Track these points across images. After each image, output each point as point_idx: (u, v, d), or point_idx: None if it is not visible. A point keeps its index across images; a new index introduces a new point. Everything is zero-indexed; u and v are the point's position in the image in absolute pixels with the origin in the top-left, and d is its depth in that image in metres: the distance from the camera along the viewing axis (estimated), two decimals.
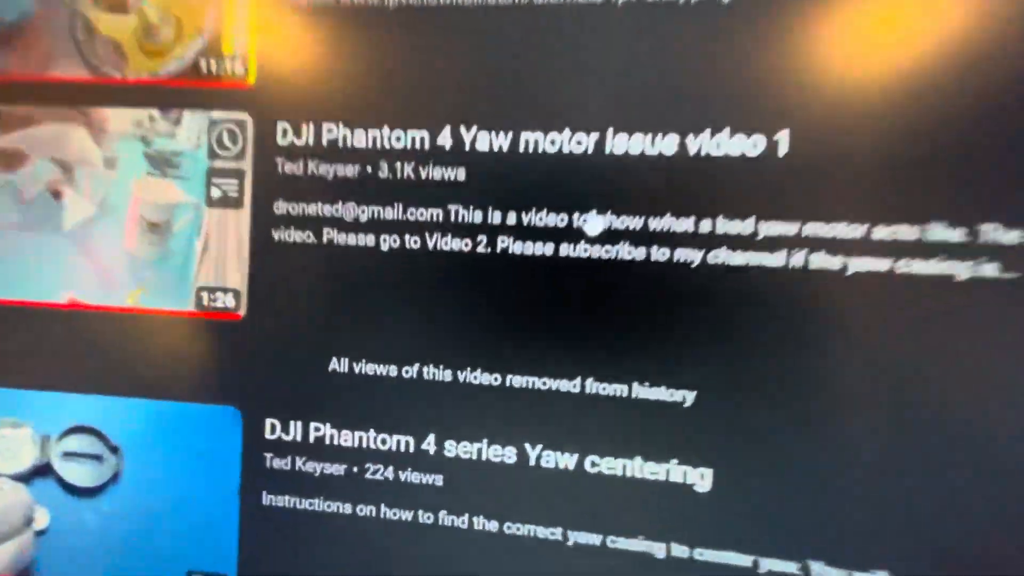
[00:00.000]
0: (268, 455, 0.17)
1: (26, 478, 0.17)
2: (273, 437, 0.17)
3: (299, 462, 0.16)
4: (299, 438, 0.16)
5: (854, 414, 0.14)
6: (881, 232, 0.13)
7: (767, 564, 0.14)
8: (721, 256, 0.14)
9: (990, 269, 0.13)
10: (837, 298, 0.14)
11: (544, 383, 0.15)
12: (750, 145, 0.14)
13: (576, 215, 0.15)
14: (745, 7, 0.14)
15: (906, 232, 0.13)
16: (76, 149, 0.17)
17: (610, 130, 0.15)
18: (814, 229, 0.14)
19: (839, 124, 0.14)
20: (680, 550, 0.15)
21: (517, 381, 0.15)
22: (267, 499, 0.17)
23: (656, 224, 0.14)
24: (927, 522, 0.14)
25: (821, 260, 0.14)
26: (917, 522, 0.14)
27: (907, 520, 0.14)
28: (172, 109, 0.16)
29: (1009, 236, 0.13)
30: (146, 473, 0.17)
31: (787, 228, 0.14)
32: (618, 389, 0.15)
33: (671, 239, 0.14)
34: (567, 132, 0.15)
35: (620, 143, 0.15)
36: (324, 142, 0.16)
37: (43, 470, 0.17)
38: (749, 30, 0.14)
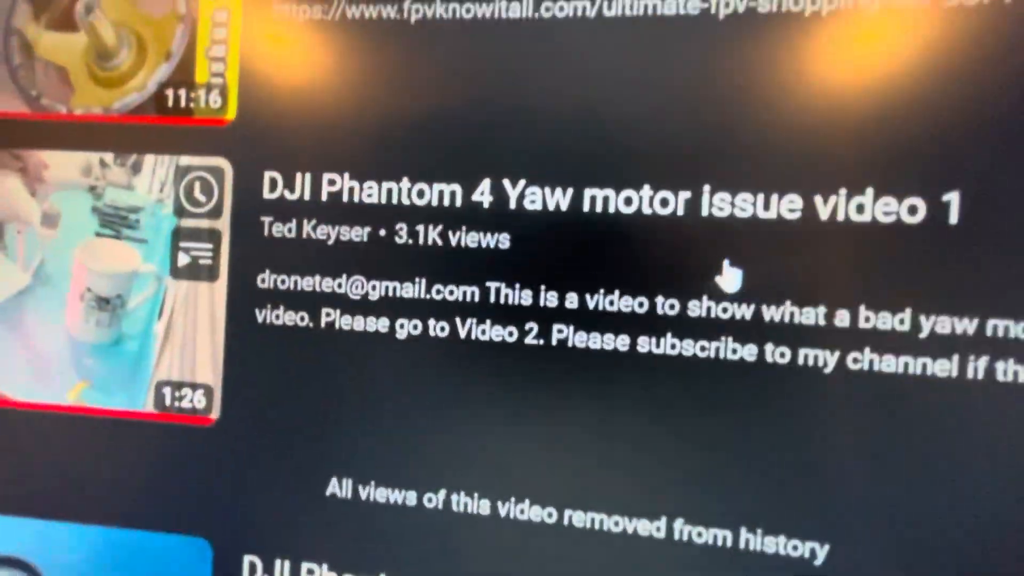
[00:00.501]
0: None
1: None
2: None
3: None
4: None
5: None
6: None
7: None
8: (865, 360, 0.10)
9: None
10: None
11: (616, 523, 0.11)
12: (904, 210, 0.10)
13: (660, 299, 0.11)
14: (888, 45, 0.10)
15: None
16: (7, 202, 0.13)
17: (706, 187, 0.11)
18: (1000, 327, 0.10)
19: None
20: None
21: (578, 519, 0.11)
22: None
23: (772, 313, 0.11)
24: None
25: (1011, 369, 0.10)
26: None
27: None
28: (130, 152, 0.13)
29: None
30: None
31: (961, 325, 0.10)
32: (719, 536, 0.11)
33: (795, 334, 0.11)
34: (647, 189, 0.11)
35: (721, 203, 0.11)
36: (324, 196, 0.12)
37: None
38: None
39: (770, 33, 0.11)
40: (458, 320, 0.12)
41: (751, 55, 0.11)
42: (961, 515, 0.10)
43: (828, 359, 0.10)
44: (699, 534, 0.11)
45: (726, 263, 0.11)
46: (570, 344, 0.11)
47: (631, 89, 0.11)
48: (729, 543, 0.11)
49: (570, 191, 0.11)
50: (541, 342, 0.12)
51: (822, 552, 0.11)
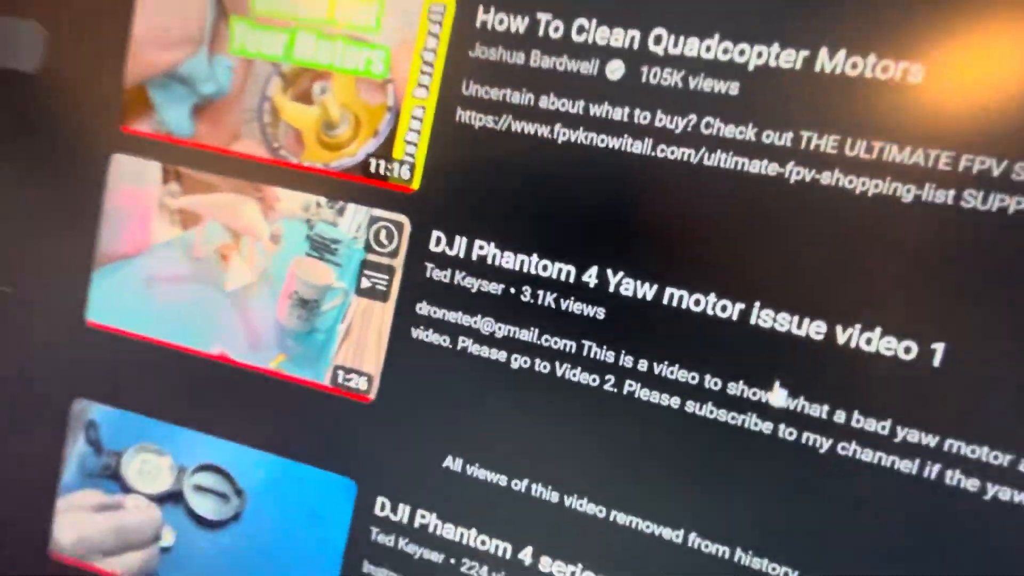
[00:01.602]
0: (375, 529, 0.18)
1: (159, 500, 0.20)
2: (382, 514, 0.18)
3: (402, 542, 0.18)
4: (405, 521, 0.18)
5: None
6: None
7: None
8: (850, 450, 0.14)
9: None
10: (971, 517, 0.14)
11: (648, 526, 0.16)
12: (902, 349, 0.14)
13: (708, 377, 0.15)
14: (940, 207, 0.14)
15: None
16: (246, 220, 0.18)
17: (757, 303, 0.15)
18: (954, 445, 0.14)
19: (1000, 346, 0.13)
20: None
21: (621, 519, 0.16)
22: (367, 568, 0.18)
23: (784, 402, 0.15)
24: None
25: (956, 476, 0.14)
26: None
27: None
28: (338, 200, 0.18)
29: None
30: (263, 519, 0.19)
31: (926, 439, 0.14)
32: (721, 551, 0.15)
33: (797, 421, 0.15)
34: (712, 296, 0.15)
35: (766, 318, 0.15)
36: (474, 257, 0.17)
37: (175, 496, 0.19)
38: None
39: (818, 204, 0.14)
40: (557, 363, 0.16)
41: (808, 216, 0.14)
42: None
43: (824, 443, 0.15)
44: (706, 546, 0.15)
45: (755, 364, 0.15)
46: (636, 396, 0.16)
47: (712, 226, 0.15)
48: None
49: (655, 287, 0.16)
50: (615, 390, 0.16)
51: None
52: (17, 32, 0.19)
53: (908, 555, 0.14)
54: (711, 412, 0.15)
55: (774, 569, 0.15)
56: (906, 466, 0.14)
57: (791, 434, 0.15)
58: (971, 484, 0.14)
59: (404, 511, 0.18)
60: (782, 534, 0.15)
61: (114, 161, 0.19)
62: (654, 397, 0.16)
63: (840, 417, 0.14)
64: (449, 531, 0.17)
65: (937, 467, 0.14)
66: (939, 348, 0.14)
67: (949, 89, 0.14)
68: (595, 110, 0.16)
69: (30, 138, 0.20)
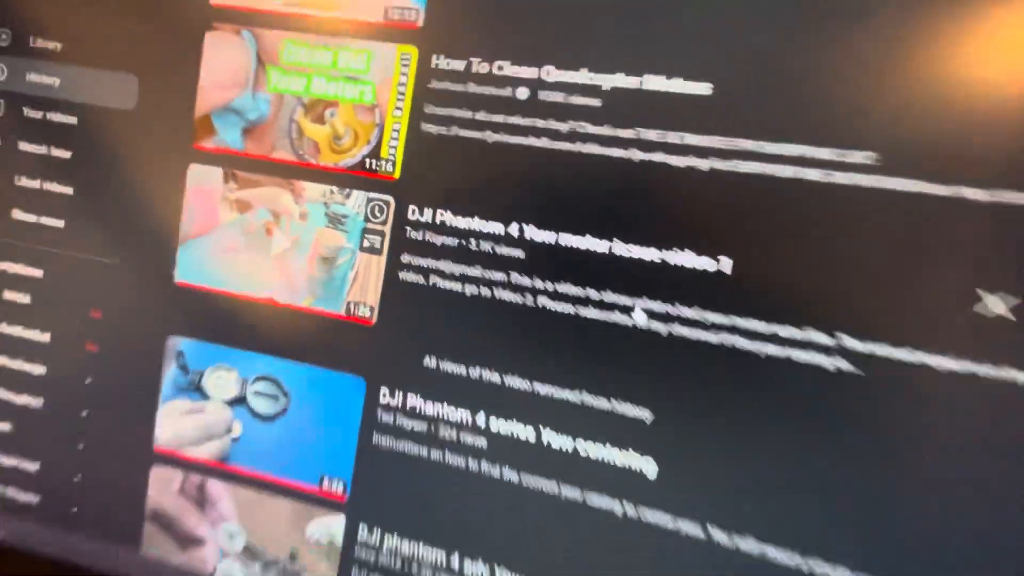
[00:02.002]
0: (379, 410, 0.26)
1: (230, 404, 0.28)
2: (383, 401, 0.26)
3: (398, 418, 0.26)
4: (399, 404, 0.26)
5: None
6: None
7: None
8: (669, 329, 0.23)
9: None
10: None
11: (555, 391, 0.24)
12: (700, 263, 0.22)
13: (590, 290, 0.24)
14: None
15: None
16: (283, 205, 0.27)
17: (616, 240, 0.23)
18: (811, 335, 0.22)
19: None
20: None
21: (539, 388, 0.24)
22: (376, 438, 0.26)
23: (641, 305, 0.23)
24: None
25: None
26: None
27: None
28: (345, 187, 0.26)
29: None
30: (303, 411, 0.27)
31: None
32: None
33: (654, 316, 0.23)
34: (588, 237, 0.23)
35: (622, 250, 0.23)
36: (437, 221, 0.25)
37: (240, 400, 0.28)
38: None
39: (649, 173, 0.23)
40: (494, 288, 0.25)
41: (643, 181, 0.23)
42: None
43: (664, 330, 0.23)
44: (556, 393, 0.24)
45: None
46: (545, 307, 0.24)
47: (586, 193, 0.23)
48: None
49: (555, 234, 0.24)
50: (532, 304, 0.24)
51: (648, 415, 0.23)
52: (119, 82, 0.28)
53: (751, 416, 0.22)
54: (593, 315, 0.24)
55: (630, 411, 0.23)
56: (710, 337, 0.22)
57: (645, 325, 0.23)
58: (760, 348, 0.22)
59: (399, 396, 0.26)
60: (637, 385, 0.23)
61: (190, 169, 0.28)
62: (557, 307, 0.24)
63: (671, 311, 0.23)
64: (429, 407, 0.26)
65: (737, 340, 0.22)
66: (725, 260, 0.22)
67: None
68: (510, 120, 0.24)
69: (130, 154, 0.28)
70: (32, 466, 0.30)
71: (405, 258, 0.26)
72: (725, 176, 0.22)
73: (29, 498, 0.30)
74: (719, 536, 0.22)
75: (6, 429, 0.30)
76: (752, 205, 0.22)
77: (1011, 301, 0.19)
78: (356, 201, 0.26)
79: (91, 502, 0.30)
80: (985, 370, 0.20)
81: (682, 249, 0.23)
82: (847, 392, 0.21)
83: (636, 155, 0.23)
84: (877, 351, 0.21)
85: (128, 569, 0.29)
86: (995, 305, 0.19)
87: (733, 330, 0.22)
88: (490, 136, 0.24)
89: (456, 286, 0.25)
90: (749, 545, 0.22)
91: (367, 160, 0.26)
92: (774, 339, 0.22)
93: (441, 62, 0.25)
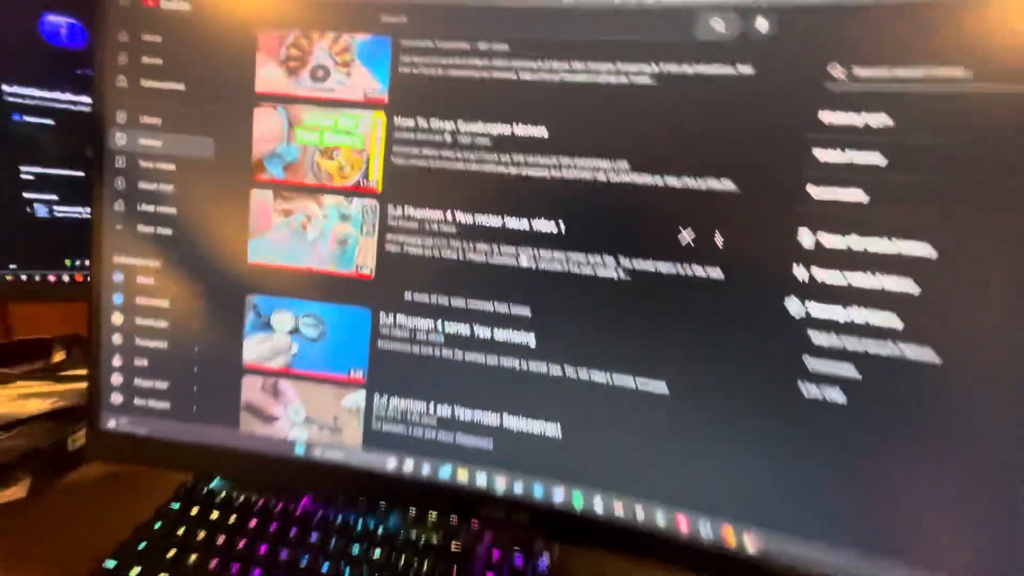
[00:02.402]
0: (381, 327, 0.45)
1: (288, 333, 0.46)
2: (384, 321, 0.45)
3: (391, 330, 0.45)
4: (394, 323, 0.45)
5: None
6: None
7: None
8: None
9: None
10: None
11: (502, 306, 0.43)
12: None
13: (499, 244, 0.42)
14: None
15: None
16: (312, 210, 0.45)
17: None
18: None
19: None
20: None
21: (472, 305, 0.43)
22: (380, 343, 0.45)
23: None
24: None
25: None
26: None
27: None
28: (350, 197, 0.44)
29: None
30: (336, 332, 0.46)
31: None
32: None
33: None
34: (489, 215, 0.42)
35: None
36: (407, 215, 0.44)
37: (295, 330, 0.46)
38: None
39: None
40: (443, 250, 0.43)
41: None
42: None
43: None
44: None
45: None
46: (498, 254, 0.43)
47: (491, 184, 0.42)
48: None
49: (478, 216, 0.43)
50: (473, 257, 0.43)
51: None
52: (200, 143, 0.45)
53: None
54: (500, 261, 0.42)
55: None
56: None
57: (529, 265, 0.42)
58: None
59: (391, 317, 0.45)
60: (518, 296, 0.42)
61: (252, 193, 0.46)
62: (476, 256, 0.43)
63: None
64: (409, 321, 0.45)
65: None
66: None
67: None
68: (443, 153, 0.43)
69: (213, 186, 0.46)
70: (163, 385, 0.48)
71: (388, 236, 0.44)
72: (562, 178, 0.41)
73: (164, 405, 0.48)
74: (563, 371, 0.42)
75: (144, 363, 0.48)
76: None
77: None
78: (357, 205, 0.44)
79: (205, 403, 0.48)
80: None
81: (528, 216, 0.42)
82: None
83: (513, 170, 0.42)
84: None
85: (231, 442, 0.48)
86: None
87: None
88: (431, 162, 0.43)
89: (419, 251, 0.44)
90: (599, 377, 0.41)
91: (360, 180, 0.44)
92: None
93: (400, 121, 0.43)
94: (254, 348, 0.47)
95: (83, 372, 0.51)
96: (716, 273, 0.38)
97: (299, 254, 0.46)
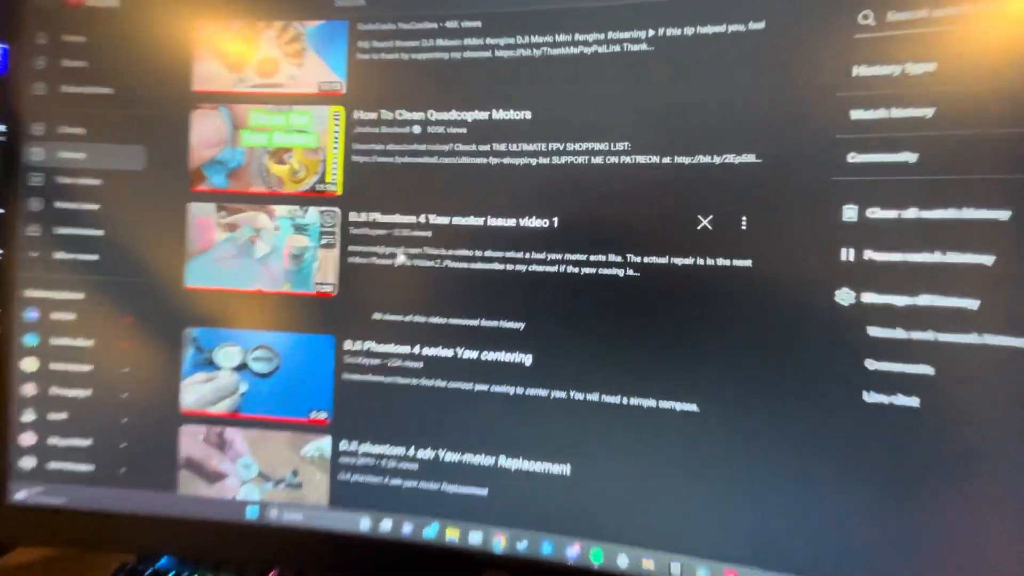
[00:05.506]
0: (345, 356, 0.38)
1: (236, 369, 0.39)
2: (348, 348, 0.38)
3: (359, 359, 0.37)
4: (360, 349, 0.37)
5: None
6: None
7: None
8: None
9: None
10: None
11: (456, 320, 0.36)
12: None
13: (474, 251, 0.36)
14: None
15: None
16: (261, 222, 0.38)
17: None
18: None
19: None
20: None
21: (454, 322, 0.36)
22: (346, 376, 0.38)
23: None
24: None
25: None
26: None
27: None
28: (305, 205, 0.38)
29: None
30: (292, 366, 0.38)
31: None
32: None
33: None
34: (471, 217, 0.36)
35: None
36: (370, 219, 0.37)
37: (243, 366, 0.39)
38: None
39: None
40: (407, 258, 0.37)
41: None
42: None
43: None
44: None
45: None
46: (451, 259, 0.36)
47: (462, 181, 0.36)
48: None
49: (450, 219, 0.36)
50: (442, 265, 0.36)
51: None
52: (130, 152, 0.39)
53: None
54: (478, 267, 0.36)
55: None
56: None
57: (500, 267, 0.35)
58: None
59: (359, 344, 0.38)
60: (511, 308, 0.35)
61: (189, 206, 0.39)
62: (458, 265, 0.36)
63: (523, 256, 0.35)
64: (380, 347, 0.37)
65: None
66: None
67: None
68: (410, 147, 0.37)
69: (144, 202, 0.39)
70: (85, 442, 0.40)
71: (352, 248, 0.37)
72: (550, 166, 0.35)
73: (87, 467, 0.40)
74: (568, 396, 0.34)
75: (63, 417, 0.40)
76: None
77: None
78: (313, 213, 0.38)
79: (136, 462, 0.39)
80: None
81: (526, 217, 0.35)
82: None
83: (493, 161, 0.36)
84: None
85: (169, 509, 0.39)
86: None
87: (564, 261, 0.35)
88: (398, 159, 0.37)
89: (388, 262, 0.37)
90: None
91: (317, 185, 0.38)
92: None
93: (362, 115, 0.37)
94: (194, 390, 0.39)
95: None
96: (744, 263, 0.32)
97: (246, 275, 0.39)
